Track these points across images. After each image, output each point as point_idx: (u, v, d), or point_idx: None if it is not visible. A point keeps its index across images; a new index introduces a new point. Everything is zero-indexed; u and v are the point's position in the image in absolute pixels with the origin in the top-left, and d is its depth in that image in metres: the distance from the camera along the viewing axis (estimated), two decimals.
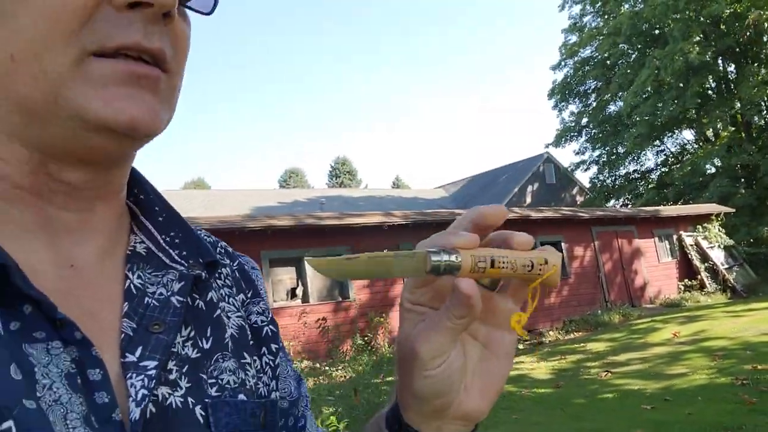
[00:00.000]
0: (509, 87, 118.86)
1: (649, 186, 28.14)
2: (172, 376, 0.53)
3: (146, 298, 0.55)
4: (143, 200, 0.63)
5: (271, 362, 0.66)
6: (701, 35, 23.75)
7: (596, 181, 29.65)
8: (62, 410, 0.45)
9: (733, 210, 20.64)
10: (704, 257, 18.34)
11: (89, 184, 0.53)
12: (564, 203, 31.52)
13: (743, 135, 24.96)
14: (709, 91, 25.81)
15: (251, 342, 0.64)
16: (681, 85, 24.46)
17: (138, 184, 0.64)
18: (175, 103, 0.56)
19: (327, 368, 11.19)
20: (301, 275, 12.52)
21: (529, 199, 30.71)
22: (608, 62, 28.50)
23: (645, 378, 8.61)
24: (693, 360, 9.37)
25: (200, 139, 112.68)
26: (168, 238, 0.61)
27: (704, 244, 18.50)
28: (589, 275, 16.43)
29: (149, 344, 0.52)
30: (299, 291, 12.47)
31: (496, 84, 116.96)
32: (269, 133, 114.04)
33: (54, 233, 0.52)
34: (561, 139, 29.66)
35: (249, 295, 0.69)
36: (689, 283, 17.80)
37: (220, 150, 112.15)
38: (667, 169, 28.28)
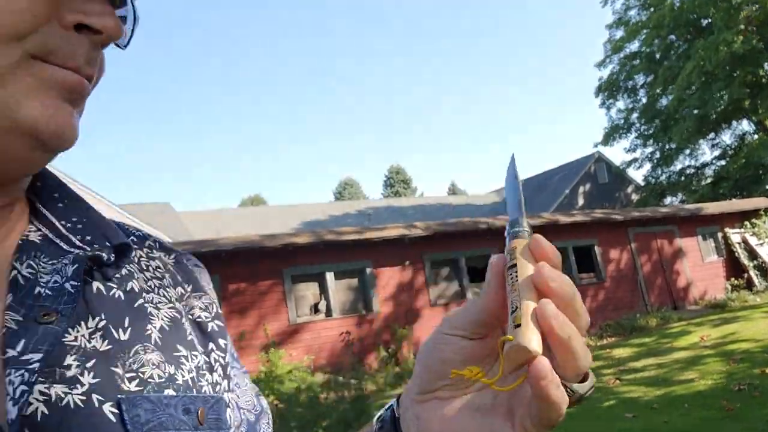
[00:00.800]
0: (556, 88, 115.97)
1: (703, 182, 27.20)
2: (70, 372, 0.48)
3: (37, 288, 0.51)
4: (40, 187, 0.60)
5: (220, 359, 0.63)
6: (745, 23, 22.88)
7: (651, 178, 28.89)
8: None
9: None
10: (753, 254, 17.63)
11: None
12: (618, 202, 30.81)
13: None
14: (764, 80, 24.77)
15: (190, 336, 0.61)
16: (728, 75, 23.61)
17: (38, 175, 0.61)
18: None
19: (352, 381, 11.43)
20: (323, 290, 12.83)
21: (581, 200, 30.19)
22: (656, 56, 27.75)
23: (651, 385, 8.49)
24: (708, 365, 9.15)
25: (260, 154, 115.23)
26: (69, 224, 0.58)
27: (753, 240, 17.77)
28: (626, 278, 16.08)
29: (34, 336, 0.47)
30: (322, 305, 12.78)
31: (544, 84, 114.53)
32: (327, 144, 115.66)
33: None
34: (610, 137, 29.02)
35: (188, 289, 0.66)
36: (737, 282, 17.15)
37: (280, 165, 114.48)
38: (724, 163, 27.27)
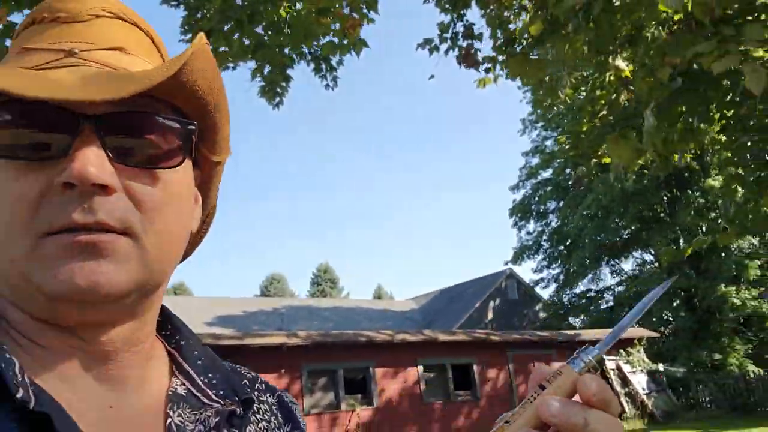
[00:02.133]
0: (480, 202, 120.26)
1: (603, 306, 28.77)
2: None
3: None
4: (183, 346, 0.70)
5: None
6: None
7: (555, 299, 30.32)
8: None
9: (657, 334, 21.16)
10: (625, 382, 18.71)
11: (99, 340, 0.59)
12: (527, 320, 31.94)
13: (684, 259, 25.75)
14: (660, 214, 26.89)
15: None
16: (621, 210, 25.62)
17: (177, 331, 0.72)
18: (158, 262, 0.59)
19: None
20: None
21: (490, 315, 31.20)
22: (566, 184, 29.87)
23: None
24: None
25: None
26: (206, 380, 0.67)
27: (626, 368, 18.91)
28: (501, 398, 16.86)
29: None
30: None
31: (468, 198, 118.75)
32: (259, 236, 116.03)
33: (91, 379, 0.58)
34: (519, 256, 30.60)
35: (288, 429, 0.75)
36: None
37: (206, 255, 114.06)
38: (622, 289, 28.94)
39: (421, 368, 16.01)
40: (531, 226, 31.54)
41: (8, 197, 0.54)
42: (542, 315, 32.19)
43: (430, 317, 31.50)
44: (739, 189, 7.49)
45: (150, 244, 0.57)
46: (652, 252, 28.27)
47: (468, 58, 3.62)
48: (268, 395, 0.76)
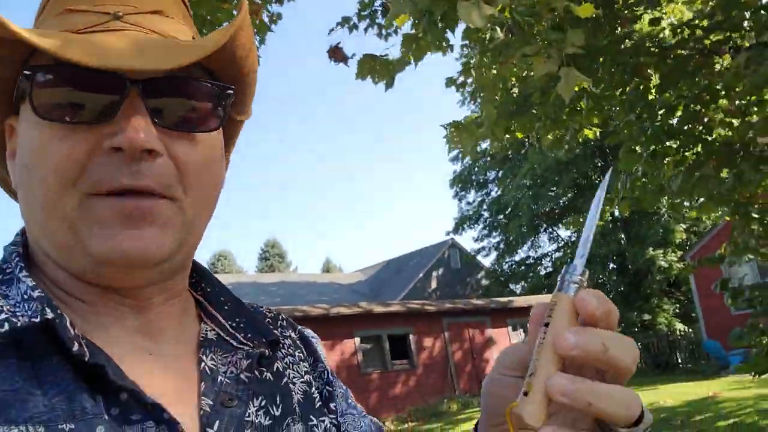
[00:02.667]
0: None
1: (540, 272, 29.65)
2: None
3: (219, 377, 0.63)
4: (210, 293, 0.73)
5: (333, 421, 0.74)
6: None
7: (495, 267, 31.09)
8: None
9: None
10: None
11: (140, 297, 0.63)
12: (470, 288, 32.68)
13: (615, 225, 26.71)
14: (595, 181, 27.72)
15: (318, 405, 0.73)
16: (557, 178, 26.34)
17: (205, 278, 0.75)
18: (196, 221, 0.62)
19: None
20: None
21: (434, 284, 31.81)
22: (504, 155, 30.43)
23: None
24: None
25: None
26: (234, 324, 0.70)
27: None
28: (438, 365, 17.39)
29: (225, 418, 0.60)
30: None
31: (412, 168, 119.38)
32: None
33: (132, 331, 0.62)
34: (459, 226, 31.20)
35: (311, 361, 0.78)
36: None
37: None
38: (560, 255, 29.86)
39: (358, 340, 16.37)
40: (471, 196, 32.12)
41: (55, 156, 0.56)
42: (484, 283, 32.98)
43: (376, 289, 31.96)
44: (637, 163, 7.91)
45: (190, 206, 0.61)
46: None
47: (336, 53, 3.80)
48: (290, 331, 0.80)
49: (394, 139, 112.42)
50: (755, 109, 6.48)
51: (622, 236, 25.62)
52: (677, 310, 24.88)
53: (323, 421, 0.71)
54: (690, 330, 20.98)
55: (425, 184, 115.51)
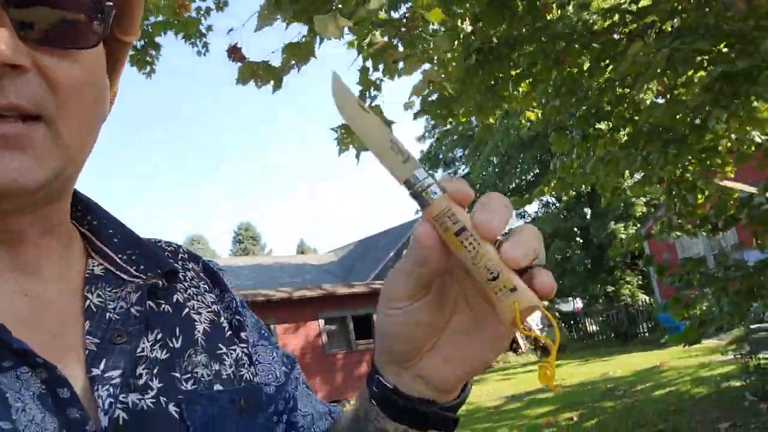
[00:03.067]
0: None
1: None
2: (141, 381, 0.57)
3: (107, 314, 0.59)
4: (96, 226, 0.68)
5: (244, 350, 0.70)
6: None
7: None
8: (37, 429, 0.49)
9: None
10: None
11: (11, 229, 0.56)
12: None
13: (580, 200, 27.17)
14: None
15: (228, 333, 0.69)
16: (521, 155, 26.68)
17: (90, 212, 0.69)
18: (75, 148, 0.56)
19: None
20: None
21: None
22: (469, 133, 30.68)
23: None
24: None
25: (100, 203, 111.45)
26: (125, 257, 0.65)
27: None
28: None
29: (113, 355, 0.56)
30: None
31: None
32: (177, 198, 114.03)
33: (3, 268, 0.57)
34: None
35: (217, 292, 0.74)
36: None
37: (125, 219, 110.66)
38: None
39: (322, 322, 16.61)
40: (439, 175, 32.37)
41: None
42: None
43: (348, 269, 32.22)
44: (569, 145, 8.15)
45: (66, 129, 0.54)
46: (554, 193, 29.61)
47: (235, 53, 3.92)
48: (192, 263, 0.75)
49: None
50: (683, 90, 6.72)
51: (588, 210, 26.09)
52: (640, 282, 25.44)
53: (234, 350, 0.68)
54: (650, 301, 21.53)
55: None
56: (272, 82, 3.89)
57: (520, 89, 6.94)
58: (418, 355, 0.56)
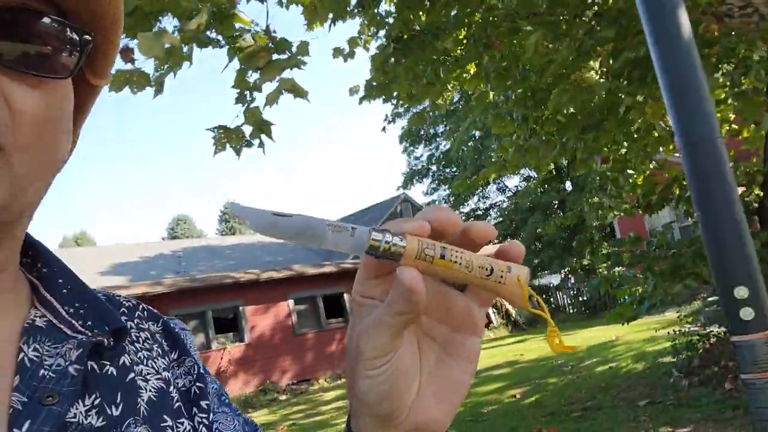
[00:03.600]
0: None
1: (490, 222, 30.27)
2: None
3: (42, 370, 0.53)
4: (46, 274, 0.62)
5: (204, 420, 0.65)
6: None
7: None
8: None
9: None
10: None
11: None
12: None
13: (559, 173, 27.27)
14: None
15: (176, 405, 0.63)
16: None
17: (41, 257, 0.63)
18: (26, 183, 0.52)
19: None
20: None
21: None
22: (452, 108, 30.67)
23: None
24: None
25: (84, 188, 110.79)
26: (72, 310, 0.60)
27: None
28: None
29: (39, 417, 0.50)
30: None
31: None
32: (157, 180, 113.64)
33: None
34: (408, 181, 31.59)
35: (175, 356, 0.68)
36: None
37: (106, 199, 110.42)
38: (507, 204, 30.49)
39: (292, 302, 16.77)
40: (419, 150, 32.42)
41: None
42: None
43: None
44: (509, 127, 8.22)
45: (19, 161, 0.51)
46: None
47: (127, 54, 3.97)
48: (150, 323, 0.69)
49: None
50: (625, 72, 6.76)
51: (567, 184, 26.22)
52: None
53: (182, 423, 0.62)
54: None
55: (390, 137, 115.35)
56: (154, 88, 3.94)
57: (457, 74, 7.01)
58: (406, 408, 0.52)
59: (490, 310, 19.70)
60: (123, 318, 0.64)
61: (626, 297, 8.40)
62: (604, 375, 8.79)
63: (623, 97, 6.05)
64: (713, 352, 7.40)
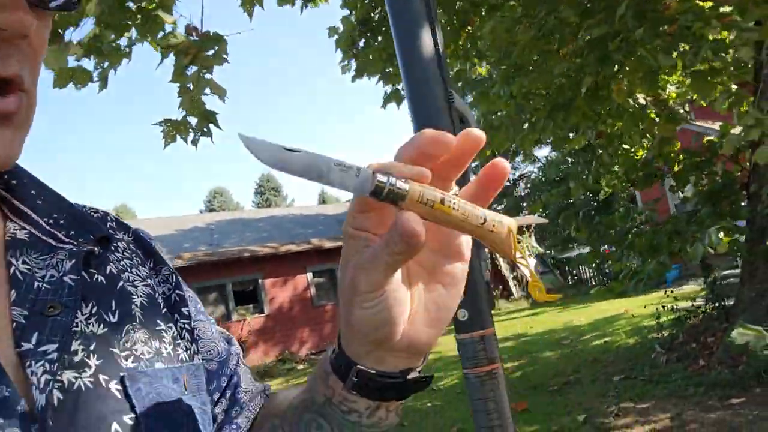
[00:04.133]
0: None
1: (516, 195, 30.14)
2: (77, 358, 0.51)
3: (36, 283, 0.53)
4: (16, 185, 0.60)
5: (186, 326, 0.66)
6: None
7: None
8: None
9: (546, 221, 22.50)
10: (513, 267, 20.14)
11: None
12: None
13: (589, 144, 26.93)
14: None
15: (164, 309, 0.64)
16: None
17: (7, 170, 0.57)
18: (32, 117, 0.52)
19: None
20: None
21: None
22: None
23: None
24: None
25: (125, 161, 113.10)
26: (51, 221, 0.59)
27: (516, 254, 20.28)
28: None
29: (46, 328, 0.50)
30: None
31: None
32: (194, 154, 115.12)
33: None
34: None
35: (151, 265, 0.68)
36: (496, 291, 19.61)
37: (150, 173, 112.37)
38: (536, 175, 30.28)
39: (310, 275, 17.11)
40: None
41: None
42: None
43: None
44: (494, 104, 8.25)
45: (33, 98, 0.52)
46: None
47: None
48: (122, 233, 0.69)
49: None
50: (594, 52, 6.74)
51: (568, 159, 25.86)
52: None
53: (171, 327, 0.64)
54: None
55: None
56: (98, 83, 4.15)
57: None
58: (399, 334, 0.52)
59: (511, 282, 19.76)
60: (100, 226, 0.63)
61: (621, 271, 8.41)
62: (597, 349, 8.85)
63: (584, 77, 6.03)
64: (698, 329, 7.39)
